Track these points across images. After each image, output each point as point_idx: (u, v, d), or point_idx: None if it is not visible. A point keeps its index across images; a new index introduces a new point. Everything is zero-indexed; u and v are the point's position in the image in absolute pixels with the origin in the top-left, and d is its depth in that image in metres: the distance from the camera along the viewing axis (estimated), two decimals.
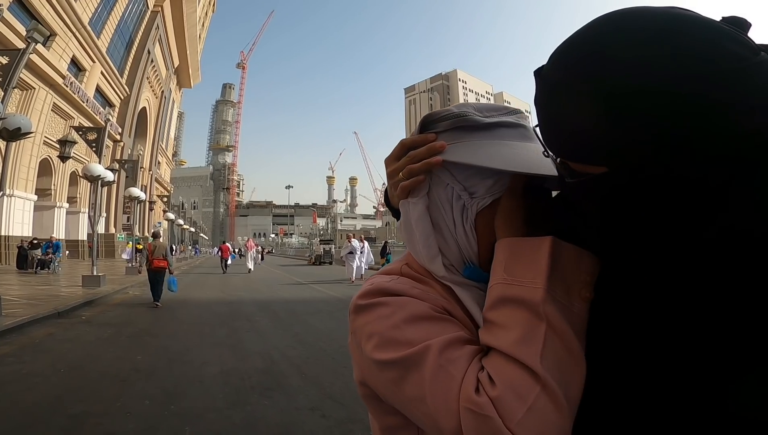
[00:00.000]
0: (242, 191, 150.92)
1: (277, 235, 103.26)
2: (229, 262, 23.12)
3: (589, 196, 0.45)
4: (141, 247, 16.67)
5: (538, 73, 0.46)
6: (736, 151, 0.37)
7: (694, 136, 0.37)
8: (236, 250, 37.63)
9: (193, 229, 54.24)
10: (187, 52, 50.08)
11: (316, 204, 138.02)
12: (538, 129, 0.47)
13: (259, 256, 32.36)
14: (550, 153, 0.48)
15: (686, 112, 0.36)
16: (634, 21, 0.39)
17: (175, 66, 49.28)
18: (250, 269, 21.87)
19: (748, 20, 0.40)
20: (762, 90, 0.36)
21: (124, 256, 18.91)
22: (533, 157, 0.54)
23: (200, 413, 3.38)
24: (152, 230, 10.96)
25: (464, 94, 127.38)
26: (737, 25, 0.39)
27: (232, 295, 11.76)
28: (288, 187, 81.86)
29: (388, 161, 0.62)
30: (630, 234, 0.45)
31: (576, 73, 0.40)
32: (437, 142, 0.55)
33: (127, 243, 20.89)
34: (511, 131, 0.56)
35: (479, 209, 0.56)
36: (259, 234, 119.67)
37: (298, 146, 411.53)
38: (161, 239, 10.27)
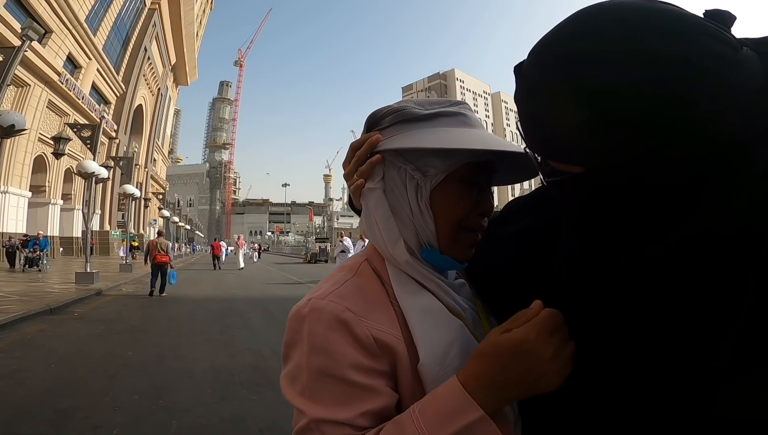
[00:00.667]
0: (239, 189, 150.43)
1: (273, 232, 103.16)
2: (222, 258, 23.17)
3: (568, 196, 0.45)
4: (136, 244, 16.72)
5: (518, 70, 0.45)
6: (708, 153, 0.36)
7: (665, 138, 0.35)
8: (229, 249, 37.64)
9: (188, 227, 54.08)
10: (184, 49, 49.92)
11: (312, 202, 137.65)
12: (520, 125, 0.46)
13: (256, 253, 32.44)
14: (530, 151, 0.47)
15: (657, 112, 0.34)
16: (607, 17, 0.38)
17: (172, 63, 49.10)
18: (241, 267, 21.88)
19: (732, 14, 0.38)
20: (739, 89, 0.35)
21: (121, 253, 19.06)
22: (473, 137, 0.56)
23: (188, 407, 3.42)
24: (155, 229, 11.60)
25: (462, 93, 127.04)
26: (719, 20, 0.38)
27: (225, 293, 11.78)
28: (284, 185, 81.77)
29: (344, 165, 0.64)
30: (607, 234, 0.45)
31: (551, 73, 0.40)
32: (374, 136, 0.59)
33: (122, 240, 20.91)
34: (450, 119, 0.58)
35: (433, 187, 0.57)
36: (256, 232, 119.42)
37: (295, 145, 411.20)
38: (163, 237, 11.08)
